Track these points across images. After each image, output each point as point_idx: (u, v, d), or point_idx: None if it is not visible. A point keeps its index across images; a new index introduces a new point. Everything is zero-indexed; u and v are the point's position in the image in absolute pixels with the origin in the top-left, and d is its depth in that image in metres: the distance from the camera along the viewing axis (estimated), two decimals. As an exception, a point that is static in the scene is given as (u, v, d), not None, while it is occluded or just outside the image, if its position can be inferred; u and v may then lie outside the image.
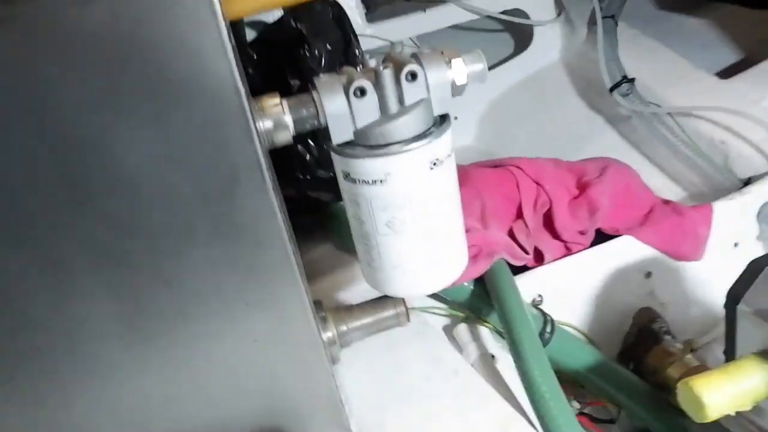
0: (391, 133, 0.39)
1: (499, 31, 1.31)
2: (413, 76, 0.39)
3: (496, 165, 0.75)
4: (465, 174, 0.73)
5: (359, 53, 0.70)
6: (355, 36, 0.71)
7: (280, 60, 0.67)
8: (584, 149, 0.96)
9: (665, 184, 0.86)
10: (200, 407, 0.41)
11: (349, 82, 0.38)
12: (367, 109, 0.39)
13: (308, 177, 0.73)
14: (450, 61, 0.40)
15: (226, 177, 0.33)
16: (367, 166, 0.39)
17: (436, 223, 0.42)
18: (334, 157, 0.41)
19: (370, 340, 0.52)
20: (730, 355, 0.48)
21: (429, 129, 0.40)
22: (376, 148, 0.39)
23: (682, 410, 0.63)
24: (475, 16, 1.20)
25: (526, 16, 1.20)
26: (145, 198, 0.33)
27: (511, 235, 0.69)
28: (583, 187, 0.72)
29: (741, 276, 0.47)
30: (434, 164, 0.40)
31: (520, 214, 0.70)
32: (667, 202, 0.73)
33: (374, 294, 0.53)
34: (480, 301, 0.63)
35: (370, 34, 1.02)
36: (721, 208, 0.71)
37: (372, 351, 0.55)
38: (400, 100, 0.39)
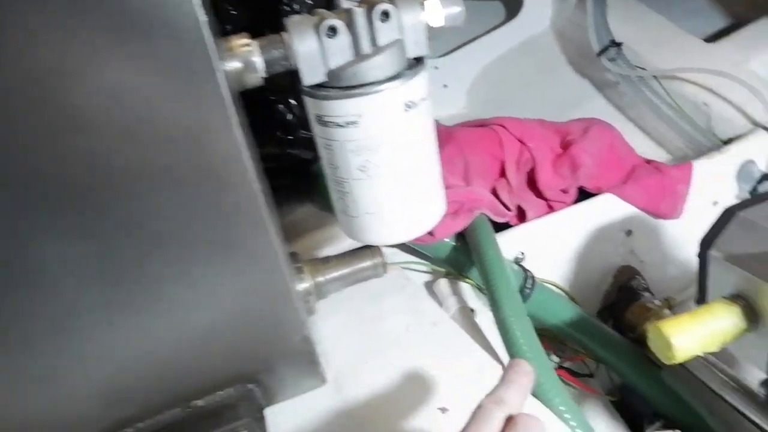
0: (364, 74, 0.39)
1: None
2: (386, 15, 0.38)
3: (481, 124, 0.75)
4: (449, 133, 0.72)
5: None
6: (339, -10, 0.69)
7: (259, 15, 0.66)
8: (573, 115, 0.96)
9: (651, 148, 0.87)
10: (169, 353, 0.41)
11: (321, 21, 0.38)
12: (340, 50, 0.38)
13: (290, 137, 0.73)
14: (423, 2, 0.40)
15: (192, 116, 0.33)
16: (340, 107, 0.39)
17: (410, 168, 0.42)
18: (307, 100, 0.41)
19: (352, 293, 0.53)
20: (701, 301, 0.48)
21: (403, 70, 0.40)
22: (349, 89, 0.39)
23: (660, 364, 0.65)
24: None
25: (516, -18, 1.19)
26: (107, 137, 0.32)
27: (495, 193, 0.69)
28: (566, 146, 0.72)
29: (714, 223, 0.47)
30: (408, 106, 0.40)
31: (503, 173, 0.70)
32: (648, 161, 0.74)
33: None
34: (461, 256, 0.64)
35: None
36: (701, 167, 0.72)
37: (353, 303, 0.55)
38: (373, 40, 0.39)
